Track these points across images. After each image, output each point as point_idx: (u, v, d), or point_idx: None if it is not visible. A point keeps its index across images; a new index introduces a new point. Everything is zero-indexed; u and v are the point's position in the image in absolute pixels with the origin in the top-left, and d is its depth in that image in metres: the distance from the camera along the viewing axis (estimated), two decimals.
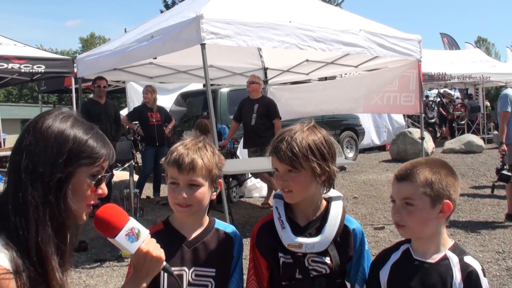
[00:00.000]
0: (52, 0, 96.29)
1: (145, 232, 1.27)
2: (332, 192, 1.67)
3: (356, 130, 12.79)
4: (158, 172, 7.75)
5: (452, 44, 21.82)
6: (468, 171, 9.56)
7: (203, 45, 4.84)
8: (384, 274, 1.53)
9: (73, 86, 8.63)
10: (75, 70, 7.72)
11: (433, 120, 15.69)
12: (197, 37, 4.85)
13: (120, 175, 7.84)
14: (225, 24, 4.96)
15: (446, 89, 17.68)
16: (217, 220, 1.69)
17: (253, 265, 1.65)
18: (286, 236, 1.56)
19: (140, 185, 7.32)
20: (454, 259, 1.46)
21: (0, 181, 7.50)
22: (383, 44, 6.06)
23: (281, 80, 9.21)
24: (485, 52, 27.14)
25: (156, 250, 1.28)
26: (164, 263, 1.30)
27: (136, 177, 7.08)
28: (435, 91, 17.06)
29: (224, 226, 1.68)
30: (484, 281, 1.44)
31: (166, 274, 1.48)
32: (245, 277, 1.68)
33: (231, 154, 7.66)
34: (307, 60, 8.13)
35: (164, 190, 7.72)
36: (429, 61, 13.16)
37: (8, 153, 7.97)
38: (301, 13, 5.83)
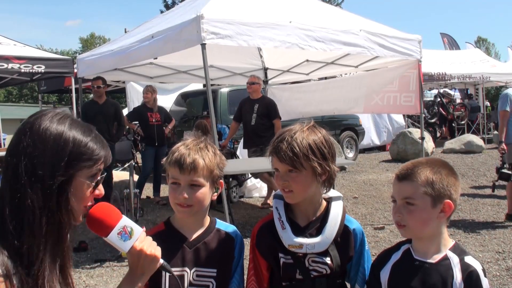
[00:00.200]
0: (52, 0, 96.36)
1: (138, 231, 1.25)
2: (332, 192, 1.67)
3: (356, 130, 12.79)
4: (158, 172, 7.75)
5: (452, 44, 21.82)
6: (468, 171, 9.55)
7: (203, 45, 4.84)
8: (384, 274, 1.53)
9: (73, 86, 8.64)
10: (75, 70, 7.73)
11: (433, 120, 15.70)
12: (197, 37, 4.85)
13: (120, 175, 7.84)
14: (226, 24, 4.96)
15: (446, 89, 17.69)
16: (218, 220, 1.69)
17: (253, 265, 1.65)
18: (287, 236, 1.56)
19: (140, 185, 7.32)
20: (454, 259, 1.46)
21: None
22: (383, 44, 6.06)
23: (281, 80, 9.21)
24: (485, 52, 27.15)
25: (151, 248, 1.26)
26: (162, 261, 1.28)
27: (136, 177, 7.08)
28: (435, 91, 17.07)
29: (225, 226, 1.68)
30: (484, 281, 1.44)
31: (167, 275, 1.48)
32: (245, 277, 1.68)
33: (231, 154, 7.66)
34: (307, 60, 8.14)
35: (164, 190, 7.72)
36: (429, 61, 13.16)
37: None
38: (302, 13, 5.83)
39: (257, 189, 8.08)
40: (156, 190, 7.89)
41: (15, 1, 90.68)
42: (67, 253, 1.16)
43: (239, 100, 7.52)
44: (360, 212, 6.56)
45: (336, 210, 1.62)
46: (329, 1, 27.05)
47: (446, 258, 1.47)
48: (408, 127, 14.31)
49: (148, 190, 8.35)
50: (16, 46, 8.44)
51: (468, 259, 1.46)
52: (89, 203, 1.20)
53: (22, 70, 7.55)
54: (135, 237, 1.24)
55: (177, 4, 22.23)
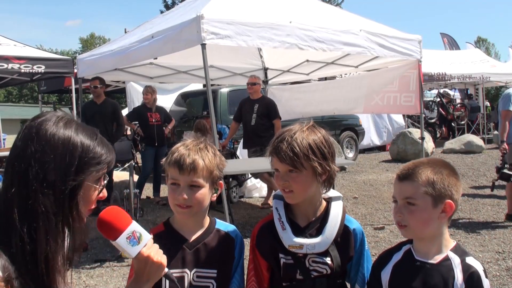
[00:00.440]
0: (52, 0, 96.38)
1: (147, 237, 1.26)
2: (332, 192, 1.66)
3: (356, 130, 12.79)
4: (158, 172, 7.75)
5: (452, 44, 21.82)
6: (468, 171, 9.55)
7: (203, 45, 4.84)
8: (385, 275, 1.53)
9: (73, 86, 8.64)
10: (75, 70, 7.73)
11: (433, 120, 15.70)
12: (197, 37, 4.84)
13: (120, 175, 7.84)
14: (226, 24, 4.96)
15: (446, 89, 17.69)
16: (218, 221, 1.68)
17: (253, 266, 1.65)
18: (287, 237, 1.55)
19: (140, 185, 7.32)
20: (455, 260, 1.46)
21: (0, 181, 7.51)
22: (383, 44, 6.06)
23: (281, 80, 9.21)
24: (485, 52, 27.14)
25: (158, 255, 1.26)
26: (166, 269, 1.28)
27: (136, 177, 7.08)
28: (435, 91, 17.06)
29: (225, 226, 1.68)
30: (485, 282, 1.43)
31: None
32: (245, 277, 1.68)
33: (231, 154, 7.66)
34: (307, 60, 8.14)
35: (164, 190, 7.72)
36: (429, 61, 13.16)
37: (8, 153, 7.96)
38: (302, 13, 5.83)
39: (257, 189, 8.08)
40: (156, 190, 7.89)
41: (15, 1, 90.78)
42: (73, 257, 1.17)
43: (239, 100, 7.52)
44: (360, 212, 6.55)
45: (336, 210, 1.62)
46: (329, 1, 27.05)
47: (447, 258, 1.47)
48: (408, 127, 14.31)
49: (148, 190, 8.35)
50: (16, 46, 8.44)
51: (469, 260, 1.46)
52: (93, 206, 1.21)
53: (22, 70, 7.55)
54: (143, 243, 1.24)
55: (177, 4, 22.24)
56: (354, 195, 7.77)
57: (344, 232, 1.60)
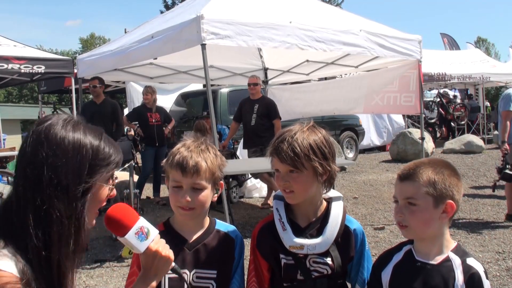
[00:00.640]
0: (52, 0, 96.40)
1: (154, 232, 1.28)
2: (332, 193, 1.66)
3: (356, 131, 12.79)
4: (158, 172, 7.75)
5: (452, 44, 21.83)
6: (468, 171, 9.55)
7: (203, 46, 4.84)
8: (386, 275, 1.52)
9: (73, 87, 8.63)
10: (75, 70, 7.73)
11: (433, 121, 15.70)
12: (197, 37, 4.84)
13: (120, 175, 7.83)
14: (226, 25, 4.96)
15: (446, 89, 17.68)
16: (217, 221, 1.68)
17: (254, 266, 1.65)
18: (287, 237, 1.55)
19: (140, 185, 7.31)
20: (456, 261, 1.45)
21: (0, 181, 7.50)
22: (383, 44, 6.06)
23: (281, 81, 9.21)
24: (485, 52, 27.14)
25: (165, 250, 1.28)
26: (173, 263, 1.31)
27: (136, 178, 7.08)
28: (435, 91, 17.06)
29: (225, 226, 1.68)
30: (486, 283, 1.43)
31: (167, 276, 1.47)
32: (245, 278, 1.68)
33: (231, 154, 7.66)
34: (307, 61, 8.13)
35: (164, 190, 7.71)
36: (429, 61, 13.16)
37: (8, 153, 7.96)
38: (302, 14, 5.83)
39: (257, 189, 8.08)
40: (156, 190, 7.89)
41: (15, 1, 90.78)
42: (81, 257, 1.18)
43: (239, 101, 7.52)
44: (360, 213, 6.55)
45: (337, 211, 1.62)
46: (329, 1, 27.05)
47: (448, 259, 1.46)
48: (408, 127, 14.31)
49: (148, 190, 8.35)
50: (16, 46, 8.43)
51: (470, 261, 1.46)
52: (103, 204, 1.23)
53: (22, 71, 7.54)
54: (151, 238, 1.26)
55: (177, 4, 22.25)
56: (354, 195, 7.77)
57: (345, 232, 1.60)
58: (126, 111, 11.07)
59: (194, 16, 4.89)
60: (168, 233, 1.59)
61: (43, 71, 7.74)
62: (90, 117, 6.68)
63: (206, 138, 1.63)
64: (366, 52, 5.99)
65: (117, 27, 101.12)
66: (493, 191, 6.09)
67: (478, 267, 1.45)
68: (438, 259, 1.47)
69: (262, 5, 5.80)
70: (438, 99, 16.23)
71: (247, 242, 1.72)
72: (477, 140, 12.98)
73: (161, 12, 22.98)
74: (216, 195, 1.60)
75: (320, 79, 10.07)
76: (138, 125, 7.84)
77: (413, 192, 1.45)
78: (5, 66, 7.29)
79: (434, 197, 1.43)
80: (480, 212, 6.30)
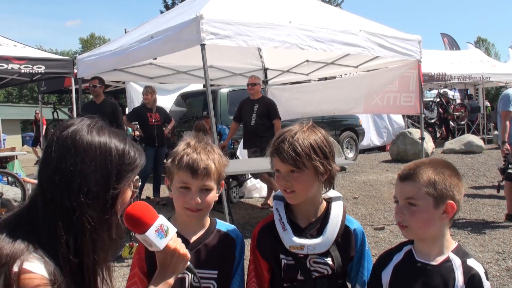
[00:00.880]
0: (52, 0, 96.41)
1: (173, 230, 1.29)
2: (332, 193, 1.66)
3: (356, 131, 12.79)
4: (158, 172, 7.74)
5: (452, 44, 21.82)
6: (468, 171, 9.55)
7: (203, 46, 4.84)
8: (386, 275, 1.52)
9: (73, 87, 8.64)
10: (75, 70, 7.73)
11: (433, 121, 15.69)
12: (197, 37, 4.84)
13: None
14: (225, 25, 4.96)
15: (446, 90, 17.69)
16: (218, 221, 1.68)
17: (254, 267, 1.65)
18: (288, 237, 1.55)
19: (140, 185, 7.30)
20: (456, 262, 1.45)
21: (0, 181, 7.50)
22: (383, 44, 6.06)
23: (281, 81, 9.21)
24: (485, 52, 27.15)
25: (183, 248, 1.30)
26: (188, 262, 1.33)
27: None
28: (434, 92, 17.06)
29: (226, 226, 1.68)
30: (486, 284, 1.43)
31: None
32: (245, 278, 1.68)
33: (231, 154, 7.66)
34: (307, 61, 8.13)
35: (164, 190, 7.71)
36: (429, 61, 13.16)
37: (8, 153, 7.96)
38: (301, 14, 5.83)
39: (257, 189, 8.08)
40: (156, 190, 7.88)
41: (15, 1, 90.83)
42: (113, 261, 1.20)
43: (239, 101, 7.51)
44: (360, 213, 6.55)
45: (337, 211, 1.62)
46: (329, 1, 27.05)
47: (448, 260, 1.46)
48: (408, 127, 14.31)
49: (148, 190, 8.34)
50: (16, 46, 8.44)
51: (471, 262, 1.45)
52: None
53: (22, 71, 7.55)
54: (170, 235, 1.28)
55: (177, 4, 22.25)
56: (354, 195, 7.76)
57: (345, 232, 1.60)
58: (126, 111, 11.07)
59: (193, 16, 4.88)
60: None
61: (43, 71, 7.74)
62: None
63: (207, 138, 1.63)
64: (366, 52, 5.99)
65: (117, 27, 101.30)
66: (498, 191, 6.06)
67: (479, 268, 1.44)
68: (438, 260, 1.46)
69: (262, 5, 5.80)
70: (438, 99, 16.23)
71: (247, 242, 1.72)
72: (477, 140, 12.98)
73: (161, 12, 22.98)
74: (217, 194, 1.61)
75: (320, 79, 10.07)
76: (137, 125, 7.84)
77: (414, 192, 1.44)
78: (5, 66, 7.29)
79: (434, 197, 1.43)
80: (480, 212, 6.29)
